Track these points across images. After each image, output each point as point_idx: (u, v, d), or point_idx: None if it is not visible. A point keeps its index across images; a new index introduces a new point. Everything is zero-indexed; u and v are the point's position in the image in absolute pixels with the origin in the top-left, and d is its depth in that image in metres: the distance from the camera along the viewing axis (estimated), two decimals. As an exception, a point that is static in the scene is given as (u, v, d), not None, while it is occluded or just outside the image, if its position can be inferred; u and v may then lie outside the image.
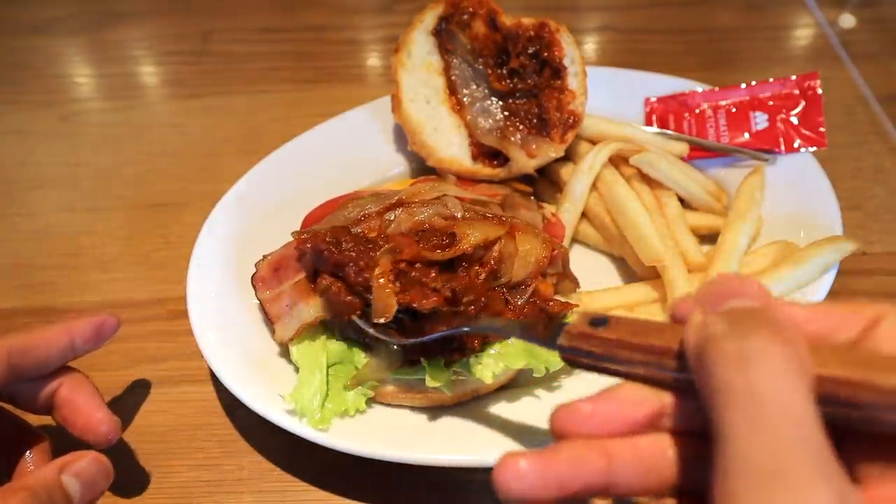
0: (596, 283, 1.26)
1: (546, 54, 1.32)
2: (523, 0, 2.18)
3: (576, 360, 0.68)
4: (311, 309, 1.10)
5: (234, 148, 1.70)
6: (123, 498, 1.12)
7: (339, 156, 1.46)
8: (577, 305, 1.15)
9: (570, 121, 1.31)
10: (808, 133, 1.40)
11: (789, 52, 1.96)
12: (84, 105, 1.92)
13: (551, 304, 1.12)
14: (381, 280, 0.95)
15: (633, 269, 1.29)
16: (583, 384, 1.14)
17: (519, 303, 1.09)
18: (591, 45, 2.01)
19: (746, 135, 1.43)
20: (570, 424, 0.62)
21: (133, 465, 1.16)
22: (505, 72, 1.35)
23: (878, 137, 1.64)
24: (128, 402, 1.24)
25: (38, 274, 1.47)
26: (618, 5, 2.16)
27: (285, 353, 1.16)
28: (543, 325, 0.82)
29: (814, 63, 1.87)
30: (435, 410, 1.11)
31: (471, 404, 1.11)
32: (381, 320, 0.93)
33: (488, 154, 1.35)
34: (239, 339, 1.17)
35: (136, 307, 1.38)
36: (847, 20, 2.01)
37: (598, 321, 0.67)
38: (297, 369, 1.12)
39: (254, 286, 1.21)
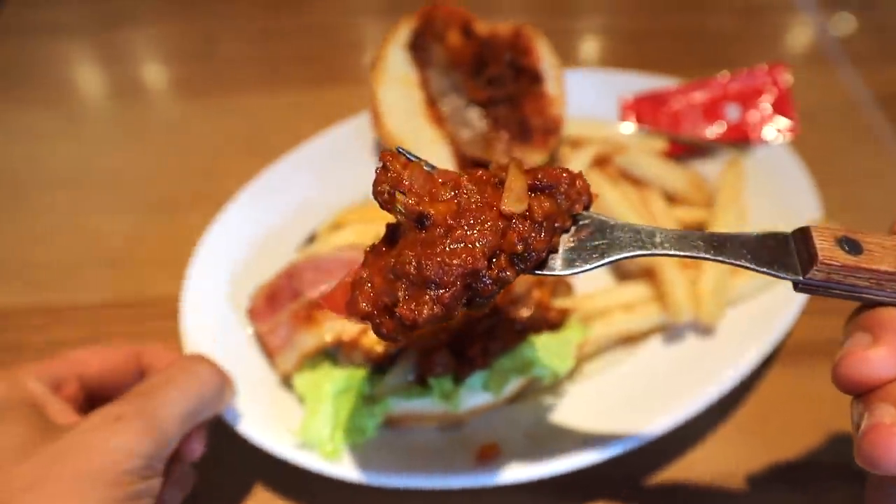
0: (590, 285, 1.27)
1: (523, 61, 1.32)
2: (523, 2, 2.19)
3: (825, 293, 0.65)
4: (311, 338, 1.09)
5: (239, 149, 1.70)
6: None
7: (325, 176, 1.44)
8: (574, 310, 1.17)
9: (552, 126, 1.32)
10: (781, 121, 1.43)
11: (787, 55, 1.97)
12: (90, 106, 1.90)
13: (552, 312, 1.13)
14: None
15: (625, 269, 1.30)
16: (588, 388, 1.15)
17: (524, 315, 1.09)
18: (589, 47, 2.03)
19: (721, 126, 1.46)
20: (865, 376, 0.62)
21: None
22: (483, 81, 1.35)
23: (875, 140, 1.66)
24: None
25: (44, 273, 1.47)
26: (616, 8, 2.17)
27: (287, 383, 1.15)
28: (781, 250, 0.69)
29: (811, 66, 1.90)
30: (449, 431, 1.11)
31: (483, 420, 1.11)
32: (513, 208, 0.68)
33: (473, 165, 1.35)
34: (240, 375, 1.13)
35: (142, 306, 1.39)
36: (844, 23, 2.03)
37: (850, 244, 0.64)
38: (302, 401, 1.10)
39: (249, 319, 1.20)
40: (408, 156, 0.74)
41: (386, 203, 0.70)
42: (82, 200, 1.62)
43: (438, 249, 0.65)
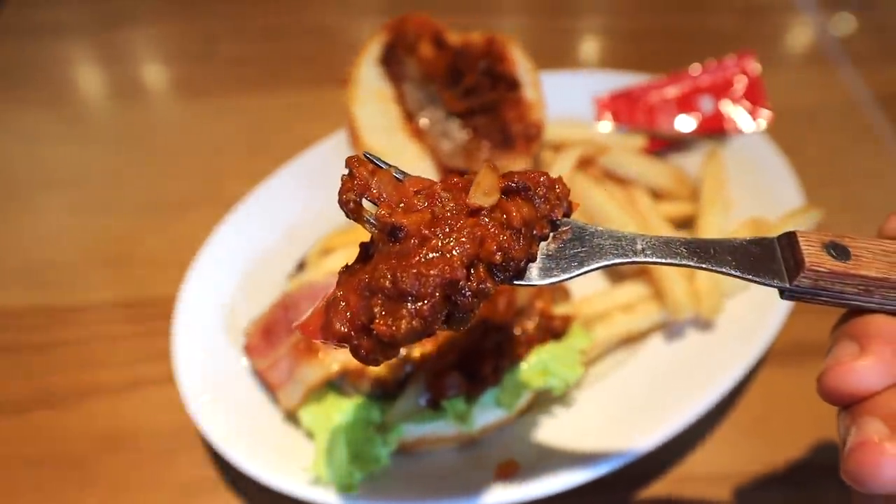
0: (584, 288, 1.25)
1: (499, 68, 1.30)
2: (523, 2, 2.19)
3: (812, 300, 0.63)
4: (316, 370, 1.06)
5: (239, 149, 1.71)
6: (130, 494, 1.12)
7: (306, 200, 1.40)
8: (576, 317, 1.16)
9: (533, 131, 1.30)
10: (754, 110, 1.44)
11: (787, 55, 1.97)
12: (90, 106, 1.91)
13: (556, 321, 1.12)
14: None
15: (620, 270, 1.30)
16: (595, 394, 1.14)
17: (529, 326, 1.09)
18: (589, 47, 2.03)
19: (697, 119, 1.46)
20: (852, 388, 0.59)
21: (138, 462, 1.16)
22: (460, 91, 1.33)
23: (875, 140, 1.65)
24: (133, 399, 1.24)
25: (45, 273, 1.48)
26: (616, 8, 2.17)
27: (292, 418, 1.12)
28: (767, 256, 0.67)
29: (811, 66, 1.89)
30: (464, 451, 1.09)
31: (496, 436, 1.10)
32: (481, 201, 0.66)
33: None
34: (242, 415, 1.10)
35: (142, 306, 1.40)
36: (844, 23, 2.02)
37: (838, 249, 0.62)
38: (310, 435, 1.08)
39: (247, 356, 1.16)
40: (376, 162, 0.69)
41: (352, 212, 0.66)
42: (82, 200, 1.63)
43: (414, 260, 0.61)
